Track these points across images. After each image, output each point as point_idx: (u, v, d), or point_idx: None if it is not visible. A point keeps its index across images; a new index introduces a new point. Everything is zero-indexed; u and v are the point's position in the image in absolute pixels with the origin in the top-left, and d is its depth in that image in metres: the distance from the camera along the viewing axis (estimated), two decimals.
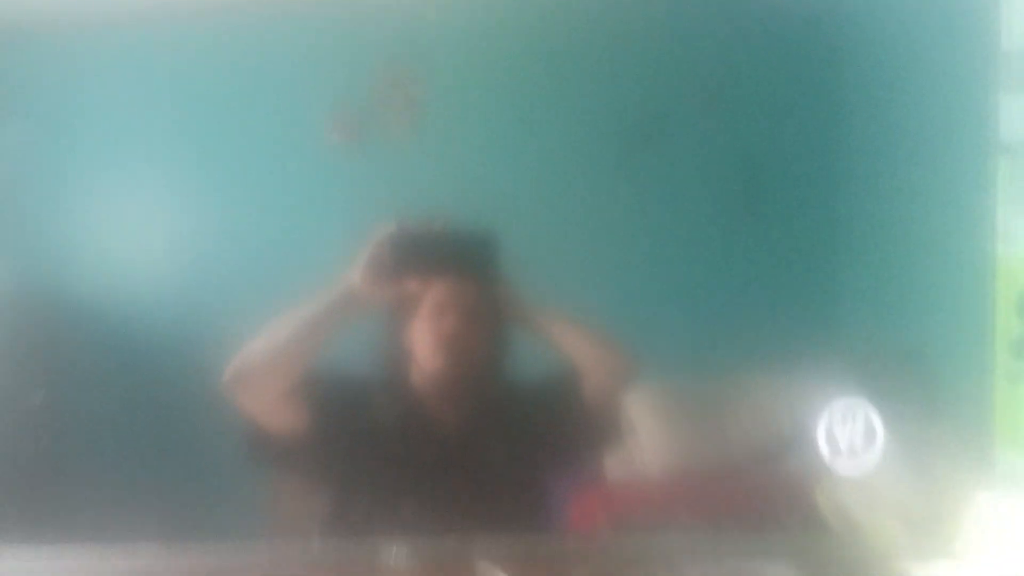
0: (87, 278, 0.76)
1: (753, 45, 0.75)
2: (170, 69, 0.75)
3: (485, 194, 0.75)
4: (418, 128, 0.74)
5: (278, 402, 0.76)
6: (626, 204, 0.76)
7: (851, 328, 0.75)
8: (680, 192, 0.76)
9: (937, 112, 0.74)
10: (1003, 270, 0.75)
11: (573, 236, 0.75)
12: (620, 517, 0.79)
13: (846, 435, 0.75)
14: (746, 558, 0.76)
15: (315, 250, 0.75)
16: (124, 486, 0.77)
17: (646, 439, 0.78)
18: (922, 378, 0.76)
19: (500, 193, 0.75)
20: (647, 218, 0.76)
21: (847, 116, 0.75)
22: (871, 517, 0.76)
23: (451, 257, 0.75)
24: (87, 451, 0.77)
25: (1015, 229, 0.74)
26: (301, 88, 0.74)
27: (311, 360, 0.75)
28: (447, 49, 0.74)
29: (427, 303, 0.75)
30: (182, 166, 0.76)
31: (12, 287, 0.76)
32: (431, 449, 0.77)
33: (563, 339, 0.76)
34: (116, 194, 0.76)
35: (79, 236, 0.76)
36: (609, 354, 0.77)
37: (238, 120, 0.75)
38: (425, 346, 0.75)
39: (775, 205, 0.76)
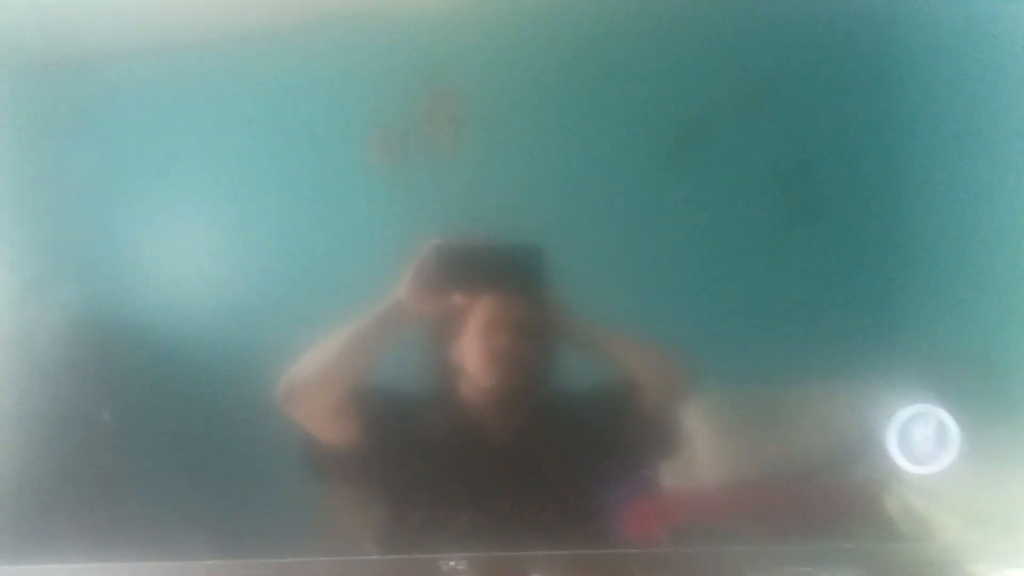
0: (142, 297, 0.78)
1: (803, 41, 0.73)
2: (218, 92, 0.76)
3: (530, 207, 0.74)
4: (461, 144, 0.74)
5: (331, 416, 0.77)
6: (675, 212, 0.74)
7: (919, 332, 0.73)
8: (731, 196, 0.74)
9: (1000, 109, 0.71)
10: None
11: (622, 247, 0.74)
12: (678, 528, 0.77)
13: (919, 440, 0.73)
14: (813, 566, 0.74)
15: (363, 266, 0.75)
16: (179, 502, 0.78)
17: (704, 448, 0.76)
18: (996, 380, 0.73)
19: (545, 206, 0.74)
20: (698, 225, 0.74)
21: (905, 112, 0.72)
22: (944, 523, 0.73)
23: (497, 270, 0.75)
24: (143, 468, 0.79)
25: None
26: (344, 107, 0.75)
27: (362, 374, 0.76)
28: (489, 64, 0.74)
29: (478, 319, 0.75)
30: (233, 187, 0.77)
31: (69, 308, 0.78)
32: (485, 463, 0.77)
33: (615, 351, 0.75)
34: (170, 215, 0.78)
35: (134, 256, 0.78)
36: (663, 366, 0.76)
37: (285, 140, 0.76)
38: (477, 362, 0.75)
39: (833, 207, 0.73)
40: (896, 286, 0.73)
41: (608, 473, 0.76)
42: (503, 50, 0.74)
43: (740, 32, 0.73)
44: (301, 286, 0.76)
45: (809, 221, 0.73)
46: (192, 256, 0.77)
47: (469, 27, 0.73)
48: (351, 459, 0.77)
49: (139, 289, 0.77)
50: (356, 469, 0.78)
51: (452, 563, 0.76)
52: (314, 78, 0.75)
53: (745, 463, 0.77)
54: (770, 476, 0.77)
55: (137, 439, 0.78)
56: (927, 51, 0.71)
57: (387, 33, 0.74)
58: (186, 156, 0.77)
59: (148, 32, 0.77)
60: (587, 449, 0.76)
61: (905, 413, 0.73)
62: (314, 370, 0.75)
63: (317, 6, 0.76)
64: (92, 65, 0.77)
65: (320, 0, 0.75)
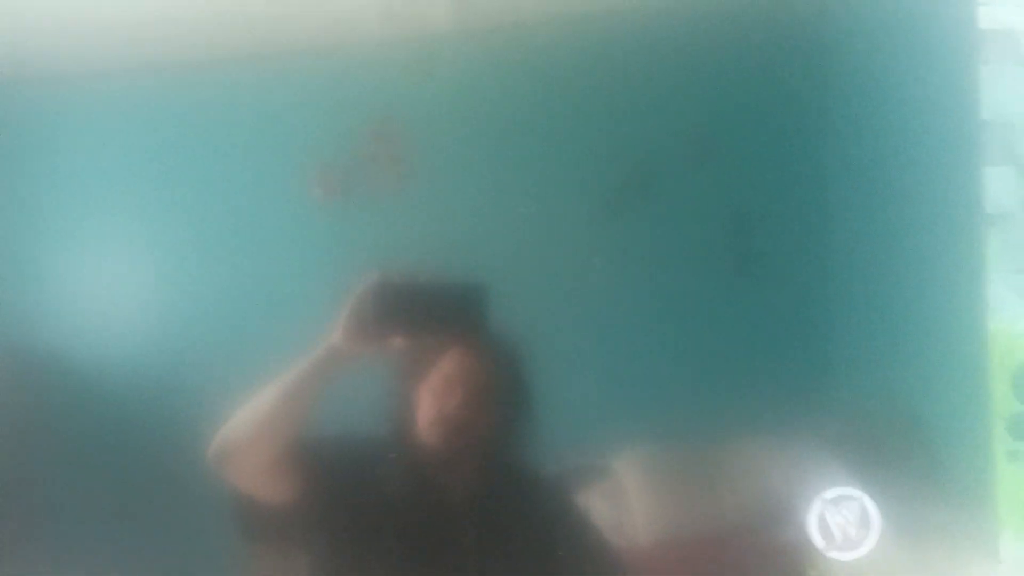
0: (63, 346, 0.72)
1: (750, 92, 0.74)
2: (149, 125, 0.73)
3: (472, 249, 0.72)
4: (404, 183, 0.72)
5: (267, 473, 0.70)
6: (617, 259, 0.73)
7: (843, 405, 0.72)
8: (672, 248, 0.74)
9: (923, 183, 0.73)
10: (996, 345, 0.72)
11: (560, 294, 0.72)
12: None
13: (840, 523, 0.70)
14: None
15: (299, 311, 0.71)
16: (107, 563, 0.72)
17: (637, 505, 0.73)
18: (918, 462, 0.72)
19: (487, 248, 0.72)
20: (636, 276, 0.73)
21: (832, 186, 0.73)
22: None
23: (436, 309, 0.71)
24: (67, 528, 0.72)
25: (1006, 303, 0.73)
26: (283, 143, 0.72)
27: (299, 428, 0.71)
28: (433, 102, 0.73)
29: (433, 374, 0.71)
30: (159, 225, 0.73)
31: None
32: (432, 527, 0.72)
33: None
34: (92, 255, 0.73)
35: (54, 301, 0.73)
36: None
37: (218, 177, 0.73)
38: (430, 421, 0.71)
39: (773, 263, 0.73)
40: (821, 360, 0.72)
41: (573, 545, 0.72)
42: (449, 89, 0.73)
43: (686, 82, 0.73)
44: (234, 332, 0.72)
45: (748, 276, 0.73)
46: (115, 299, 0.72)
47: (415, 66, 0.72)
48: (289, 518, 0.71)
49: (59, 337, 0.72)
50: (293, 528, 0.72)
51: None
52: (254, 113, 0.72)
53: (675, 523, 0.73)
54: (698, 537, 0.73)
55: (56, 500, 0.72)
56: (851, 131, 0.73)
57: (332, 70, 0.72)
58: (114, 189, 0.73)
59: (81, 59, 0.74)
60: (543, 521, 0.72)
61: (829, 499, 0.71)
62: (247, 425, 0.69)
63: (259, 39, 0.74)
64: (19, 90, 0.73)
65: (263, 33, 0.74)
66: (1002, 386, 0.72)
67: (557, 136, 0.73)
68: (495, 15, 0.74)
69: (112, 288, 0.73)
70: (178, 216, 0.73)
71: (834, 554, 0.70)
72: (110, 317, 0.72)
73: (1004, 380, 0.72)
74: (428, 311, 0.71)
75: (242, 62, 0.73)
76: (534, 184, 0.73)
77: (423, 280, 0.71)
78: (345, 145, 0.72)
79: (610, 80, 0.73)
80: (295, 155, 0.72)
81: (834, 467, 0.71)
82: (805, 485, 0.71)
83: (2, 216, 0.73)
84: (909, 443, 0.72)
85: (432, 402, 0.71)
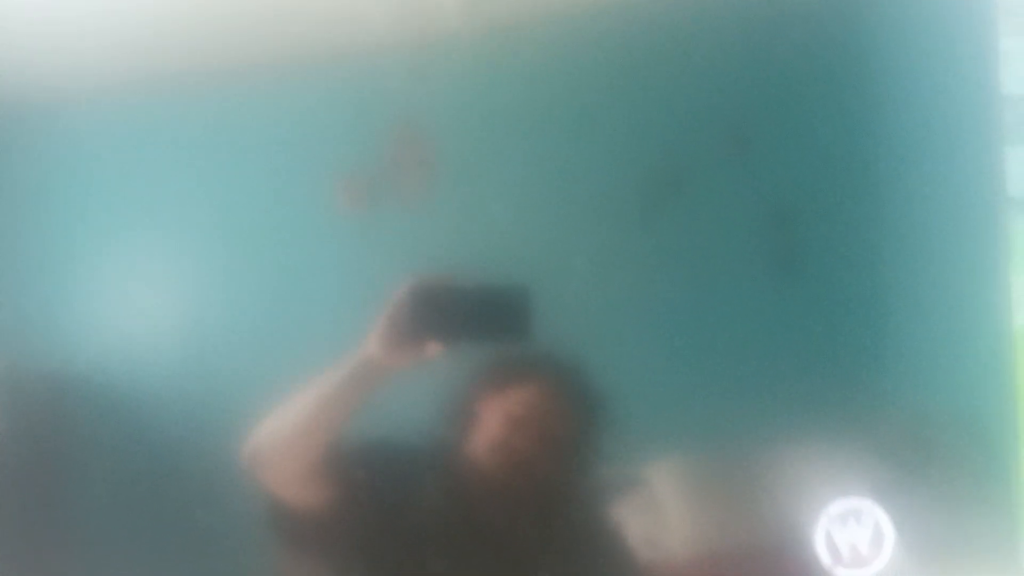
0: (94, 357, 0.73)
1: (786, 87, 0.71)
2: (170, 137, 0.72)
3: (505, 252, 0.71)
4: (432, 187, 0.71)
5: (302, 480, 0.71)
6: (651, 263, 0.71)
7: (863, 408, 0.68)
8: (709, 246, 0.71)
9: (944, 169, 0.69)
10: (1022, 344, 0.66)
11: (597, 296, 0.70)
12: None
13: (849, 539, 0.66)
14: None
15: (333, 322, 0.71)
16: (138, 569, 0.73)
17: (672, 515, 0.71)
18: (937, 469, 0.66)
19: (520, 251, 0.71)
20: (675, 278, 0.71)
21: (894, 162, 0.69)
22: None
23: (475, 314, 0.70)
24: (99, 536, 0.73)
25: None
26: (307, 153, 0.71)
27: (336, 435, 0.70)
28: (458, 105, 0.71)
29: (496, 397, 0.70)
30: (186, 238, 0.73)
31: (20, 367, 0.73)
32: (470, 541, 0.71)
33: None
34: (120, 270, 0.73)
35: (84, 314, 0.73)
36: None
37: (242, 189, 0.72)
38: (492, 447, 0.70)
39: (814, 262, 0.70)
40: (845, 353, 0.69)
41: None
42: (474, 90, 0.71)
43: (719, 74, 0.71)
44: (267, 340, 0.72)
45: (789, 276, 0.70)
46: (145, 312, 0.72)
47: (438, 70, 0.71)
48: (325, 525, 0.71)
49: (91, 346, 0.73)
50: (329, 536, 0.72)
51: None
52: (275, 123, 0.71)
53: (709, 535, 0.71)
54: (727, 550, 0.71)
55: (90, 507, 0.73)
56: (919, 97, 0.70)
57: (352, 76, 0.71)
58: (137, 205, 0.73)
59: (101, 75, 0.73)
60: (590, 549, 0.71)
61: (837, 513, 0.66)
62: (283, 432, 0.70)
63: (279, 49, 0.72)
64: (34, 109, 0.73)
65: (282, 43, 0.72)
66: None
67: (587, 130, 0.71)
68: (510, 9, 0.72)
69: (144, 302, 0.73)
70: (208, 232, 0.73)
71: (842, 572, 0.64)
72: (143, 330, 0.73)
73: None
74: (466, 315, 0.70)
75: (256, 72, 0.72)
76: (566, 182, 0.71)
77: (459, 284, 0.70)
78: (369, 152, 0.71)
79: (641, 73, 0.71)
80: (319, 165, 0.71)
81: (846, 477, 0.68)
82: (815, 496, 0.68)
83: (33, 232, 0.74)
84: (928, 449, 0.67)
85: (500, 430, 0.70)
